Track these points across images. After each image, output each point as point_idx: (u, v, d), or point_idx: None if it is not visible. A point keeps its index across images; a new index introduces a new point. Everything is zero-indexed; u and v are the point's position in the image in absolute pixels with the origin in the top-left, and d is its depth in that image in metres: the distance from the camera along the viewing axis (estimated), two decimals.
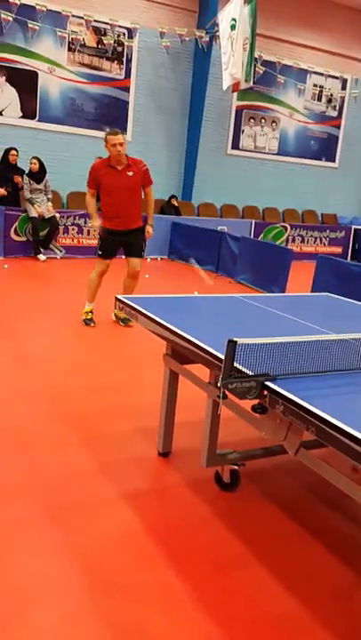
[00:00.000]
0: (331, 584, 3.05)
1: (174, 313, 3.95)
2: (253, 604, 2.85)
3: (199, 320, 3.96)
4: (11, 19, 12.81)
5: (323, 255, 9.46)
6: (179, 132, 15.83)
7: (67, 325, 7.37)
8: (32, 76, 13.82)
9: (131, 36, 14.54)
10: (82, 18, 13.81)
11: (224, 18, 13.61)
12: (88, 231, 12.29)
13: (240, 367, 2.84)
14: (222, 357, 2.80)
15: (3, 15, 12.70)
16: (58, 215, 11.85)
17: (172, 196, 14.86)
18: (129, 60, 14.83)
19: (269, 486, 3.96)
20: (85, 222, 12.21)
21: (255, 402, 2.82)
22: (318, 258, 9.20)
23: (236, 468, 3.81)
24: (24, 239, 11.67)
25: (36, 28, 13.22)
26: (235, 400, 2.92)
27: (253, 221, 14.77)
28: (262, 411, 2.82)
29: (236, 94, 15.77)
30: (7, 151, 11.84)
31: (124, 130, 14.93)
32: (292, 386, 2.72)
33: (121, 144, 6.96)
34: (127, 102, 15.10)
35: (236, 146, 16.86)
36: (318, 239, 15.31)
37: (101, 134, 14.50)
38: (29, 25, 13.13)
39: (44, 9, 13.16)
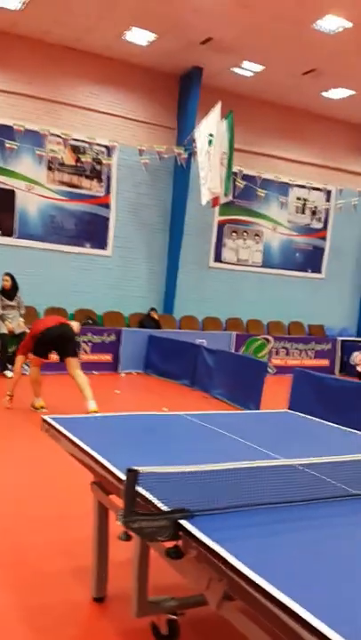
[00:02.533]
0: None
1: (101, 434, 3.47)
2: None
3: (127, 443, 3.42)
4: None
5: (299, 369, 8.96)
6: (160, 246, 15.74)
7: (8, 446, 6.81)
8: (9, 195, 13.81)
9: (109, 154, 14.67)
10: (59, 136, 13.93)
11: (201, 134, 13.76)
12: None
13: (155, 501, 2.34)
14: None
15: None
16: (28, 331, 11.45)
17: (152, 309, 14.58)
18: (108, 178, 14.89)
19: (216, 638, 3.32)
20: None
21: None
22: (294, 371, 8.70)
23: (174, 617, 3.19)
24: None
25: (14, 147, 13.29)
26: None
27: (234, 334, 14.36)
28: (177, 556, 2.28)
29: (217, 208, 15.77)
30: None
31: (104, 245, 14.88)
32: (212, 524, 2.19)
33: None
34: (108, 218, 15.07)
35: (218, 259, 16.73)
36: (304, 352, 14.82)
37: (82, 250, 14.67)
38: (7, 144, 13.21)
39: (22, 129, 13.28)
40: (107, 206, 15.01)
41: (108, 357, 12.63)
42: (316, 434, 4.02)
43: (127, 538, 2.29)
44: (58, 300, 13.88)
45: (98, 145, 14.49)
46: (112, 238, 15.19)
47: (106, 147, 14.60)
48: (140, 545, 2.98)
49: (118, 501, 3.20)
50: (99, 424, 3.82)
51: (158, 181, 15.45)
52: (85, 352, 12.39)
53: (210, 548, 2.05)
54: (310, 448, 3.45)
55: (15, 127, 13.27)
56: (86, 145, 14.34)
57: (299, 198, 17.77)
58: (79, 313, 14.13)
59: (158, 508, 2.30)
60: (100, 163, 14.64)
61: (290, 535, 2.26)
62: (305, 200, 17.91)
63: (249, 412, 5.45)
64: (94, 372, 12.22)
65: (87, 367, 12.03)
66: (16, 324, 11.26)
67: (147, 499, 2.36)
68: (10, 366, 11.04)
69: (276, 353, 14.29)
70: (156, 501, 2.33)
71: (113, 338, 12.69)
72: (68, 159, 14.32)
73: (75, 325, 9.04)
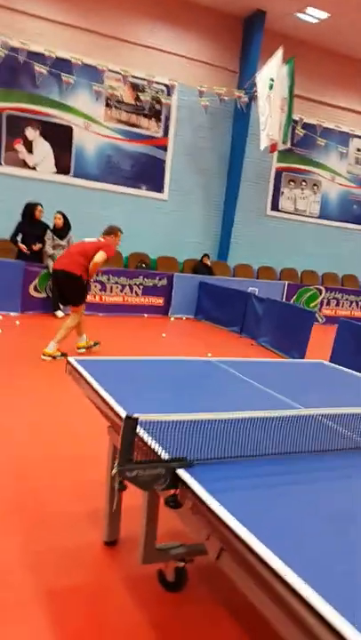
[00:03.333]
0: None
1: (123, 378, 3.39)
2: None
3: (148, 387, 3.31)
4: (45, 71, 12.70)
5: (345, 319, 8.70)
6: (217, 191, 15.47)
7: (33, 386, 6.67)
8: (67, 131, 13.65)
9: (169, 94, 14.34)
10: (119, 73, 13.66)
11: (262, 78, 13.35)
12: (111, 288, 11.92)
13: (155, 447, 2.25)
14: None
15: (36, 67, 12.60)
16: None
17: (205, 255, 14.40)
18: (167, 118, 14.60)
19: (223, 586, 3.23)
20: (109, 279, 11.81)
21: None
22: (340, 322, 8.47)
23: (181, 564, 3.13)
24: (44, 295, 11.26)
25: (71, 81, 13.08)
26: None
27: (286, 283, 14.16)
28: (175, 505, 2.20)
29: (275, 156, 15.45)
30: (33, 207, 11.45)
31: (160, 189, 14.67)
32: (211, 475, 2.12)
33: None
34: (164, 161, 14.81)
35: (275, 207, 16.39)
36: (355, 303, 14.64)
37: (138, 192, 14.49)
38: (64, 77, 13.00)
39: (80, 62, 13.05)
40: (164, 148, 14.74)
41: (159, 301, 12.57)
42: (344, 385, 3.86)
43: (122, 487, 2.21)
44: None
45: (157, 83, 14.17)
46: (168, 182, 14.96)
47: (165, 85, 14.28)
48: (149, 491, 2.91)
49: None
50: (123, 367, 3.71)
51: (217, 125, 15.08)
52: (137, 294, 12.34)
53: (201, 499, 1.98)
54: (332, 399, 3.33)
55: (73, 60, 13.01)
56: (145, 83, 14.03)
57: (359, 149, 17.21)
58: (133, 256, 14.06)
59: (158, 456, 2.21)
60: (159, 102, 14.35)
61: (291, 487, 2.17)
62: None
63: (282, 361, 5.31)
64: (145, 314, 12.23)
65: (138, 310, 12.12)
66: None
67: (147, 445, 2.27)
68: (62, 306, 11.04)
69: (327, 303, 14.11)
70: (156, 448, 2.24)
71: (165, 282, 12.59)
72: (127, 97, 14.05)
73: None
